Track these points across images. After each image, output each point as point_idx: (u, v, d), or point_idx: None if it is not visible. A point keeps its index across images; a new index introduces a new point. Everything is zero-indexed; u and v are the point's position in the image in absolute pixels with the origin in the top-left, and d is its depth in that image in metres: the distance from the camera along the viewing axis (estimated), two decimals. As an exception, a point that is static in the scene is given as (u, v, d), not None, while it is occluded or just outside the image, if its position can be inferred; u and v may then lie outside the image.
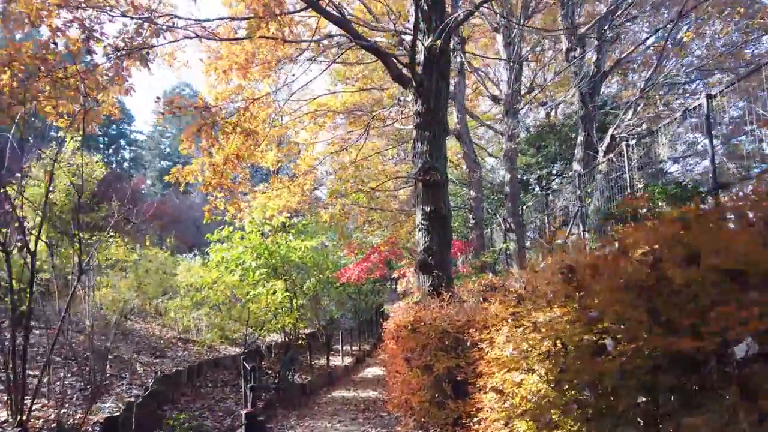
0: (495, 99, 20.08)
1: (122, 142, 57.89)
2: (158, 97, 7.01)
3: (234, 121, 7.26)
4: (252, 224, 11.70)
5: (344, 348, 15.31)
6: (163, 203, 37.63)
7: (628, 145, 8.27)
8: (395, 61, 8.97)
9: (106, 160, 53.34)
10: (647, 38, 13.11)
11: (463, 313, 6.09)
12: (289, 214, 13.88)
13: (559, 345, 2.83)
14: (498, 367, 3.87)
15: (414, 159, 8.58)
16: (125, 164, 58.64)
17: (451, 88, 15.02)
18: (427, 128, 8.40)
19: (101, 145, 55.02)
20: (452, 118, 16.44)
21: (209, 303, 9.52)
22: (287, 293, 11.12)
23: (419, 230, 8.30)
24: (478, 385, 4.36)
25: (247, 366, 6.71)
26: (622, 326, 2.25)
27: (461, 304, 6.69)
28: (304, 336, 12.06)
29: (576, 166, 13.61)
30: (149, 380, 7.07)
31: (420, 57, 8.56)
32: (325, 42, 10.14)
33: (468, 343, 5.14)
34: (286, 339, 12.27)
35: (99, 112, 9.52)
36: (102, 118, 9.82)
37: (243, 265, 11.00)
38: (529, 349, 3.29)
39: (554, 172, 17.92)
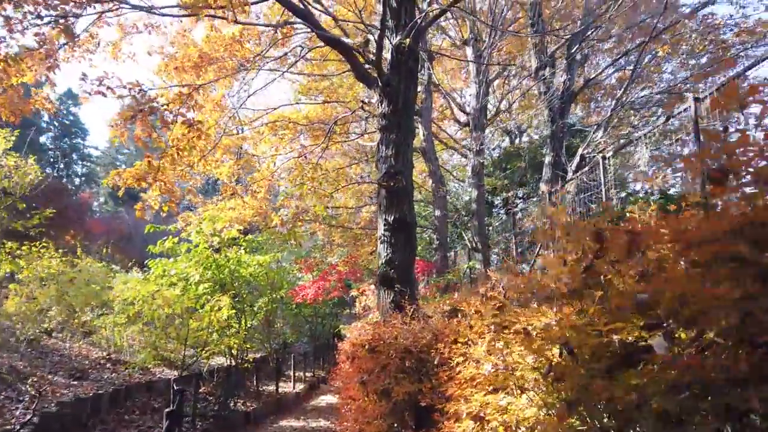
0: (461, 123, 19.81)
1: (74, 156, 55.32)
2: (84, 74, 6.13)
3: (175, 107, 6.42)
4: (200, 235, 10.71)
5: (297, 374, 14.24)
6: (114, 220, 35.79)
7: (604, 158, 7.80)
8: (360, 58, 8.33)
9: (56, 174, 51.07)
10: (618, 58, 12.96)
11: (428, 331, 5.33)
12: (242, 229, 12.94)
13: (565, 354, 2.11)
14: (475, 388, 3.12)
15: (378, 163, 7.89)
16: (77, 180, 56.02)
17: (418, 103, 14.55)
18: (392, 130, 7.75)
19: (51, 159, 52.50)
20: (418, 136, 15.95)
21: (143, 319, 8.44)
22: (234, 311, 10.12)
23: (381, 241, 7.56)
24: (448, 412, 3.59)
25: (175, 387, 5.75)
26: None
27: (426, 321, 5.94)
28: (251, 360, 11.01)
29: (543, 187, 13.21)
30: (53, 405, 5.99)
31: (387, 56, 7.95)
32: (284, 30, 9.42)
33: (435, 362, 4.37)
34: (233, 362, 11.19)
35: (30, 102, 8.56)
36: (32, 109, 8.83)
37: (187, 279, 9.99)
38: (517, 363, 2.56)
39: (520, 195, 17.56)
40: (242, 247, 11.80)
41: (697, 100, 5.88)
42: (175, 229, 10.87)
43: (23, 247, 11.82)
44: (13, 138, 12.28)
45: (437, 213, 15.04)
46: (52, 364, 8.05)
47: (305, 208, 6.92)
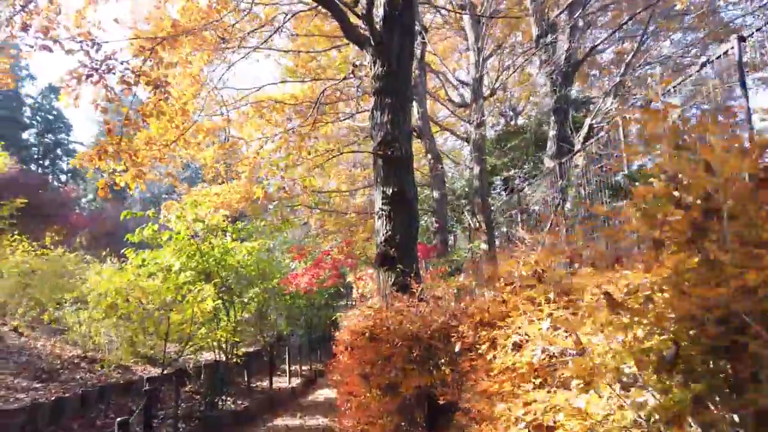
0: (455, 103, 18.99)
1: (59, 152, 53.89)
2: (26, 24, 5.24)
3: (138, 66, 5.55)
4: (181, 221, 9.85)
5: (293, 368, 13.46)
6: (99, 216, 34.68)
7: (624, 118, 6.99)
8: (351, 17, 7.49)
9: (41, 170, 49.83)
10: (624, 23, 12.14)
11: (440, 313, 4.54)
12: (230, 216, 12.11)
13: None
14: (515, 380, 2.34)
15: (373, 131, 7.07)
16: (62, 177, 54.67)
17: (414, 76, 13.73)
18: (388, 93, 6.93)
19: (36, 156, 51.25)
20: (413, 114, 15.13)
21: (118, 312, 7.61)
22: (221, 302, 9.32)
23: (379, 217, 6.76)
24: (475, 413, 2.81)
25: (147, 387, 4.96)
26: None
27: (435, 302, 5.15)
28: (242, 354, 10.20)
29: (548, 162, 12.45)
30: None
31: (380, 12, 7.10)
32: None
33: (456, 349, 3.59)
34: (222, 357, 10.40)
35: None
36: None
37: (169, 269, 9.18)
38: (593, 345, 1.77)
39: (520, 174, 16.78)
40: (229, 234, 10.97)
41: (741, 39, 5.08)
42: (154, 215, 10.01)
43: (42, 254, 10.94)
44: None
45: (435, 194, 14.26)
46: (15, 366, 7.22)
47: (292, 179, 6.08)
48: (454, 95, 19.74)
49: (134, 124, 5.70)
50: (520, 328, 2.35)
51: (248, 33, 11.18)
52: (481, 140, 11.54)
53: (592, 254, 2.23)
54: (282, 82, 14.76)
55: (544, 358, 2.22)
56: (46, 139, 51.59)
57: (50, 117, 51.35)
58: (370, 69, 7.14)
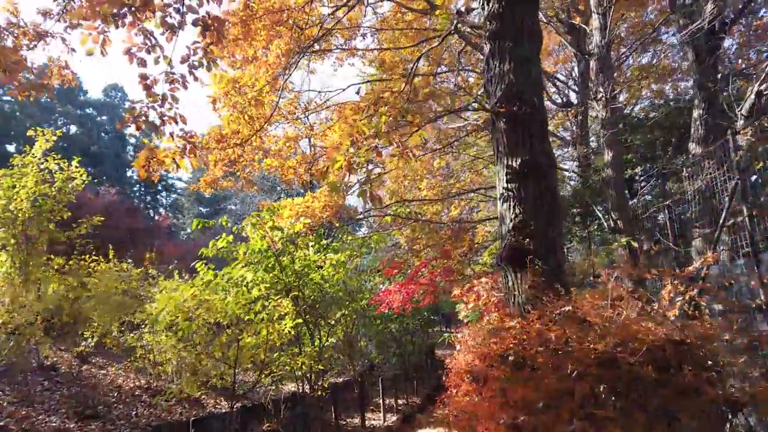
0: (557, 104, 16.90)
1: (159, 187, 56.65)
2: None
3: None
4: (257, 229, 8.53)
5: (387, 401, 11.67)
6: (195, 247, 35.09)
7: None
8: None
9: (142, 205, 52.43)
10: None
11: (652, 321, 2.64)
12: (313, 225, 10.74)
13: None
14: None
15: (489, 85, 5.31)
16: (162, 210, 57.30)
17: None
18: (507, 35, 5.16)
19: (137, 192, 54.01)
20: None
21: (178, 334, 6.26)
22: (300, 319, 7.80)
23: (503, 199, 4.93)
24: None
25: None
26: None
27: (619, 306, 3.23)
28: (326, 386, 8.58)
29: (694, 148, 10.05)
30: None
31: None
32: None
33: None
34: (307, 389, 8.86)
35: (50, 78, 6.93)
36: (54, 85, 7.12)
37: (245, 285, 7.84)
38: None
39: (646, 171, 14.18)
40: (312, 245, 9.54)
41: None
42: (226, 224, 8.78)
43: (70, 262, 10.21)
44: (55, 138, 10.80)
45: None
46: (62, 398, 6.01)
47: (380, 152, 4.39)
48: (555, 97, 17.68)
49: (180, 81, 4.37)
50: None
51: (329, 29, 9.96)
52: (613, 118, 9.39)
53: None
54: (369, 81, 13.40)
55: None
56: (147, 175, 54.18)
57: (150, 153, 53.93)
58: (483, 7, 5.43)
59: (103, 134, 51.97)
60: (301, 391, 8.98)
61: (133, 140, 54.55)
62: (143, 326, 8.32)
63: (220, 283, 7.93)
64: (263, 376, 7.03)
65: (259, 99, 8.29)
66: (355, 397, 11.17)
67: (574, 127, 16.53)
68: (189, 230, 55.00)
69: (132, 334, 8.01)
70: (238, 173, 9.82)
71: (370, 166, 4.72)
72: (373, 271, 14.48)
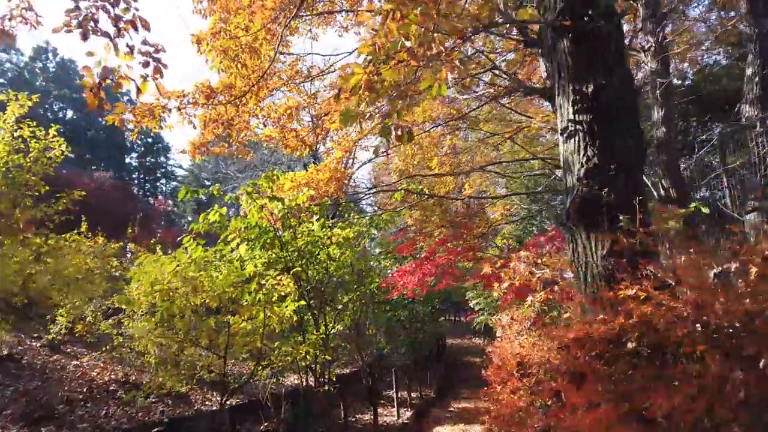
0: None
1: (158, 174, 55.45)
2: None
3: None
4: (252, 199, 7.39)
5: (400, 394, 10.60)
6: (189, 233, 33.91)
7: None
8: None
9: (140, 191, 51.29)
10: None
11: None
12: (317, 199, 9.61)
13: None
14: None
15: (544, -6, 4.15)
16: (160, 197, 56.08)
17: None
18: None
19: (135, 179, 52.80)
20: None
21: (156, 317, 5.14)
22: (303, 302, 6.69)
23: (568, 136, 3.78)
24: None
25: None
26: None
27: None
28: (335, 377, 7.49)
29: (749, 110, 8.87)
30: None
31: None
32: None
33: None
34: (309, 382, 7.78)
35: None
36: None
37: (237, 261, 6.74)
38: None
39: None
40: (317, 218, 8.40)
41: None
42: (218, 193, 7.66)
43: (50, 241, 9.08)
44: (30, 104, 9.66)
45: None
46: (15, 394, 4.92)
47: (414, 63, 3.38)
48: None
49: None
50: None
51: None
52: (664, 72, 8.20)
53: None
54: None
55: None
56: (146, 162, 53.21)
57: (149, 140, 52.90)
58: None
59: (101, 119, 50.68)
60: (305, 384, 7.88)
61: (131, 126, 53.25)
62: (124, 311, 7.21)
63: (210, 259, 6.83)
64: (260, 367, 5.92)
65: (254, 46, 7.12)
66: (363, 390, 10.09)
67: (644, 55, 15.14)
68: (190, 218, 53.95)
69: (111, 320, 6.91)
70: (233, 138, 8.67)
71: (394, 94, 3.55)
72: (382, 253, 13.37)
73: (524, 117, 15.02)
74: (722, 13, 15.06)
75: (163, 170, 55.99)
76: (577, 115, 3.70)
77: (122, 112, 6.24)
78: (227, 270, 5.76)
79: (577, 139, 3.69)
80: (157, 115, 7.14)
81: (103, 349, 6.82)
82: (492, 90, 12.82)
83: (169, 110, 7.21)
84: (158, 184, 57.37)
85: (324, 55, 16.20)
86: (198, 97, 7.35)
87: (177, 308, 5.14)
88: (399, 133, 3.53)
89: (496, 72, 14.29)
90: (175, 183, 59.08)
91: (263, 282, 5.67)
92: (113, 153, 48.18)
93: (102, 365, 6.94)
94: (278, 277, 5.80)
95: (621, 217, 3.34)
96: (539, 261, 5.49)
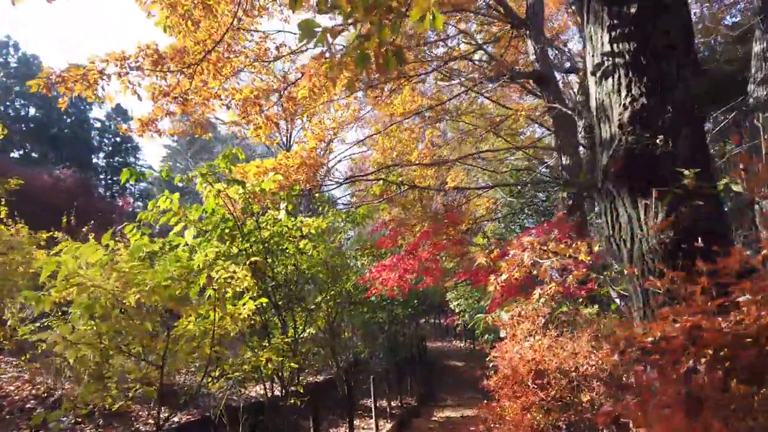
0: (569, 70, 14.96)
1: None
2: None
3: None
4: (208, 181, 6.35)
5: (379, 403, 9.60)
6: (162, 233, 32.54)
7: None
8: None
9: (108, 192, 49.29)
10: None
11: None
12: (285, 187, 8.62)
13: None
14: None
15: None
16: (130, 199, 54.05)
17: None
18: None
19: (103, 180, 50.69)
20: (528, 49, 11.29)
21: (73, 315, 4.09)
22: (265, 299, 5.67)
23: (603, 73, 2.87)
24: None
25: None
26: None
27: None
28: (300, 390, 6.46)
29: (758, 91, 8.16)
30: None
31: None
32: None
33: None
34: (276, 392, 6.77)
35: None
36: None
37: (183, 250, 5.70)
38: None
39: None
40: (284, 206, 7.39)
41: None
42: (167, 176, 6.60)
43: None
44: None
45: (564, 159, 10.22)
46: None
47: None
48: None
49: None
50: None
51: None
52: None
53: None
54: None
55: None
56: (114, 162, 51.26)
57: (117, 140, 51.00)
58: None
59: (66, 118, 48.44)
60: (271, 395, 6.86)
61: (98, 124, 51.15)
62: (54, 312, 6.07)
63: (157, 251, 5.80)
64: (210, 379, 4.88)
65: (207, 3, 6.09)
66: (339, 400, 9.09)
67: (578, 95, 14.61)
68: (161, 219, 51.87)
69: (34, 324, 5.79)
70: (189, 114, 7.61)
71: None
72: (359, 251, 12.39)
73: (506, 109, 14.28)
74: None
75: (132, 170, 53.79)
76: (615, 45, 2.80)
77: (48, 76, 5.22)
78: (168, 260, 4.72)
79: (617, 76, 2.78)
80: (92, 81, 6.05)
81: (22, 359, 5.71)
82: (476, 75, 12.02)
83: (108, 76, 6.13)
84: (127, 185, 55.25)
85: (297, 34, 14.94)
86: (142, 61, 6.28)
87: (100, 308, 4.08)
88: (380, 61, 2.58)
89: (477, 62, 13.54)
90: (144, 184, 57.01)
91: (213, 275, 4.66)
92: (80, 152, 46.11)
93: (27, 377, 5.82)
94: (231, 269, 4.77)
95: (686, 173, 2.44)
96: (547, 247, 4.58)
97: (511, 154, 16.93)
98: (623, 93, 2.74)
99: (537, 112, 12.55)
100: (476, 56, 13.40)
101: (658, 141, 2.56)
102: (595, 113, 2.96)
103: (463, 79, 12.37)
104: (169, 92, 6.99)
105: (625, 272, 2.76)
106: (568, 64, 16.34)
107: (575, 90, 14.27)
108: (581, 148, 10.83)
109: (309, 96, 7.74)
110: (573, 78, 13.36)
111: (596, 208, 10.51)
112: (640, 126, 2.66)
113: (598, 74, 2.88)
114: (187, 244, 6.27)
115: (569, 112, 8.72)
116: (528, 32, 10.92)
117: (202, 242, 6.54)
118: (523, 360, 3.53)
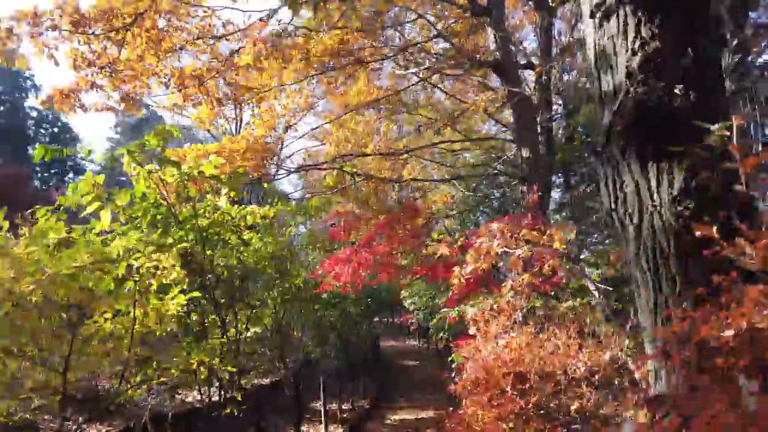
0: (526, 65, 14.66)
1: (67, 167, 50.28)
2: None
3: None
4: (136, 160, 5.58)
5: (329, 406, 8.98)
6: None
7: None
8: None
9: (45, 187, 46.40)
10: None
11: None
12: (227, 172, 7.87)
13: None
14: None
15: None
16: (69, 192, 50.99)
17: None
18: None
19: (39, 173, 47.62)
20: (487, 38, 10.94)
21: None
22: (198, 293, 4.98)
23: (604, 12, 2.36)
24: None
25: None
26: None
27: None
28: (238, 398, 5.78)
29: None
30: None
31: None
32: None
33: None
34: (212, 398, 6.07)
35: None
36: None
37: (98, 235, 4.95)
38: None
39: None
40: (225, 193, 6.69)
41: None
42: (89, 153, 5.79)
43: None
44: None
45: (524, 152, 9.89)
46: None
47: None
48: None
49: None
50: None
51: None
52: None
53: None
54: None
55: None
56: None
57: (55, 130, 48.08)
58: None
59: (-1, 107, 45.17)
60: (208, 401, 6.15)
61: (35, 113, 48.02)
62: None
63: (76, 239, 4.99)
64: (129, 385, 4.17)
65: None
66: (287, 403, 8.43)
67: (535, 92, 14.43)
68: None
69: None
70: (120, 89, 6.78)
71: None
72: (310, 245, 11.71)
73: (464, 104, 13.93)
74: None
75: (71, 164, 50.76)
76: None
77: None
78: (78, 246, 3.97)
79: (622, 14, 2.29)
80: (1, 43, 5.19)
81: None
82: (435, 61, 11.57)
83: (18, 37, 5.28)
84: (66, 178, 52.08)
85: (245, 11, 14.14)
86: (60, 21, 5.45)
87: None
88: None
89: (436, 55, 13.13)
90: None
91: (134, 263, 3.95)
92: (15, 143, 43.13)
93: None
94: (155, 256, 4.06)
95: (713, 128, 1.96)
96: (518, 235, 4.11)
97: (467, 151, 16.68)
98: (630, 35, 2.25)
99: (495, 104, 12.20)
100: (436, 47, 12.98)
101: (677, 91, 2.09)
102: (593, 63, 2.46)
103: (421, 68, 11.90)
104: (93, 61, 6.16)
105: (630, 254, 2.28)
106: (524, 61, 16.11)
107: (531, 87, 14.04)
108: (540, 139, 10.60)
109: (254, 65, 7.04)
110: (528, 75, 13.06)
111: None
112: (651, 75, 2.18)
113: (598, 15, 2.38)
114: (112, 230, 5.52)
115: (530, 96, 8.40)
116: (489, 20, 10.56)
117: (130, 229, 5.77)
118: (499, 361, 3.03)
